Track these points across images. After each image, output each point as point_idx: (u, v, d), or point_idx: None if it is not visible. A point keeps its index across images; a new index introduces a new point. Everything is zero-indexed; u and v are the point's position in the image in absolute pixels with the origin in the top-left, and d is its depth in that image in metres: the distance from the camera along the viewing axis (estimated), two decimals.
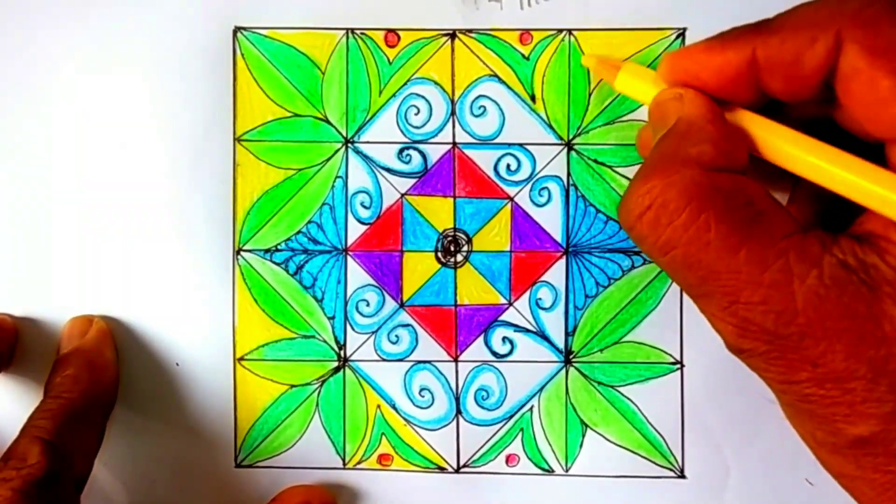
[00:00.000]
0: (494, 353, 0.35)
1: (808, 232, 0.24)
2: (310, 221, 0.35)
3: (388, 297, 0.35)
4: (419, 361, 0.36)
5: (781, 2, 0.34)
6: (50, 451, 0.30)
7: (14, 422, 0.32)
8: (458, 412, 0.36)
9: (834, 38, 0.24)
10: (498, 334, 0.35)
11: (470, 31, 0.35)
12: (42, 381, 0.35)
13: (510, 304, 0.35)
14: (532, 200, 0.35)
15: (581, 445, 0.35)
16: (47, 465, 0.30)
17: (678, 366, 0.35)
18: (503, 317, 0.35)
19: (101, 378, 0.34)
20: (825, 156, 0.25)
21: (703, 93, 0.27)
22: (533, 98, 0.35)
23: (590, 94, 0.35)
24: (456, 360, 0.36)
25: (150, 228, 0.35)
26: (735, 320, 0.24)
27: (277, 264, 0.35)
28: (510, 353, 0.35)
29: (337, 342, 0.35)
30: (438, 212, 0.35)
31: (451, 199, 0.35)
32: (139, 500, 0.36)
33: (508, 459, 0.36)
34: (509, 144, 0.35)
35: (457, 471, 0.36)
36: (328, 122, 0.35)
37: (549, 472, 0.35)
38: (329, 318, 0.35)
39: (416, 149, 0.35)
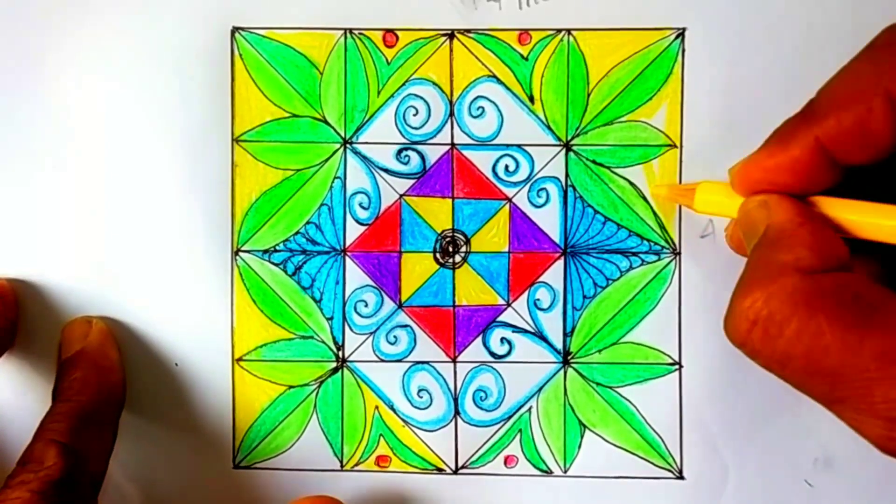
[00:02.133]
0: (493, 354, 0.35)
1: None
2: (308, 222, 0.35)
3: (386, 298, 0.35)
4: (417, 362, 0.36)
5: (781, 4, 0.34)
6: (66, 453, 0.31)
7: (15, 422, 0.32)
8: (457, 413, 0.36)
9: (887, 100, 0.24)
10: (496, 335, 0.35)
11: (468, 31, 0.35)
12: (42, 381, 0.35)
13: (508, 304, 0.35)
14: (530, 201, 0.35)
15: (579, 446, 0.35)
16: (64, 466, 0.30)
17: (677, 367, 0.35)
18: (501, 317, 0.35)
19: (109, 378, 0.34)
20: None
21: (786, 195, 0.27)
22: (531, 99, 0.35)
23: (588, 95, 0.35)
24: (454, 361, 0.36)
25: (148, 229, 0.35)
26: (879, 422, 0.23)
27: (276, 265, 0.35)
28: (508, 353, 0.35)
29: (335, 343, 0.35)
30: (437, 212, 0.35)
31: (450, 200, 0.35)
32: (137, 501, 0.36)
33: (507, 460, 0.36)
34: (508, 145, 0.35)
35: (455, 472, 0.36)
36: (326, 122, 0.35)
37: (548, 472, 0.36)
38: (327, 319, 0.35)
39: (414, 149, 0.35)
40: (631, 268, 0.35)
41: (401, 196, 0.35)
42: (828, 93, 0.26)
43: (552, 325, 0.35)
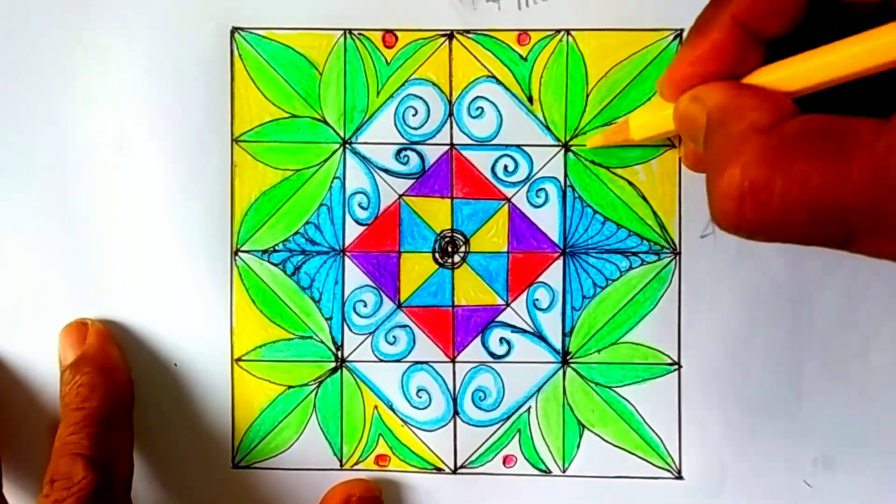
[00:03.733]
0: (492, 354, 0.35)
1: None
2: (307, 222, 0.35)
3: (385, 298, 0.35)
4: (416, 362, 0.36)
5: None
6: (93, 465, 0.31)
7: (23, 428, 0.33)
8: (456, 413, 0.36)
9: None
10: (495, 335, 0.35)
11: (468, 31, 0.35)
12: (44, 385, 0.35)
13: (507, 304, 0.35)
14: (529, 201, 0.35)
15: (578, 446, 0.35)
16: (95, 479, 0.31)
17: (675, 367, 0.35)
18: (500, 318, 0.35)
19: (116, 379, 0.34)
20: (849, 47, 0.24)
21: (712, 81, 0.26)
22: (530, 99, 0.35)
23: (587, 96, 0.35)
24: (453, 361, 0.36)
25: (147, 229, 0.35)
26: None
27: (275, 265, 0.35)
28: (507, 353, 0.35)
29: (334, 343, 0.35)
30: (436, 213, 0.35)
31: (449, 200, 0.35)
32: (137, 501, 0.36)
33: (506, 460, 0.36)
34: (507, 146, 0.35)
35: (454, 471, 0.36)
36: (326, 122, 0.35)
37: (547, 472, 0.36)
38: (326, 319, 0.35)
39: (413, 150, 0.35)
40: (630, 268, 0.35)
41: (400, 196, 0.35)
42: None
43: (551, 325, 0.35)
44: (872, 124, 0.22)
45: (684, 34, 0.34)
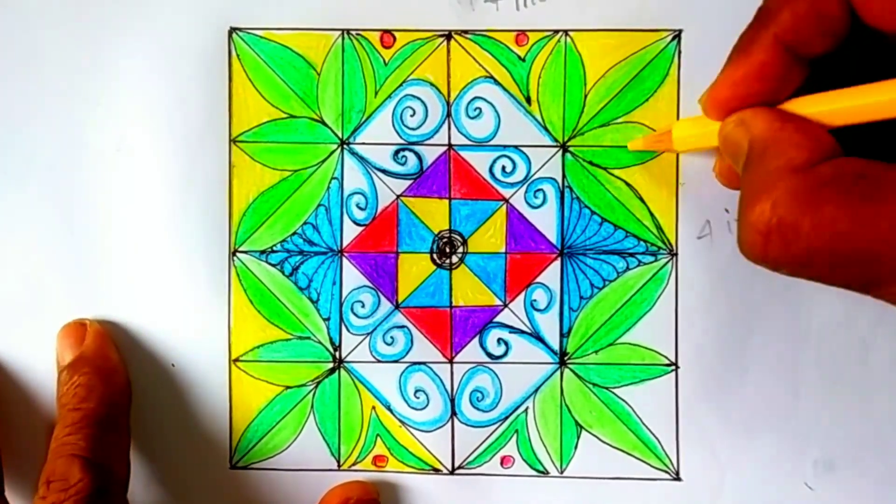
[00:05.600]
0: (489, 355, 0.35)
1: None
2: (305, 223, 0.35)
3: (383, 299, 0.35)
4: (414, 363, 0.36)
5: None
6: (90, 467, 0.31)
7: (20, 429, 0.33)
8: (453, 413, 0.36)
9: None
10: (493, 336, 0.35)
11: (466, 32, 0.35)
12: (42, 385, 0.35)
13: (505, 305, 0.35)
14: (527, 202, 0.35)
15: (576, 447, 0.35)
16: (92, 481, 0.31)
17: (673, 367, 0.35)
18: (498, 318, 0.35)
19: (113, 380, 0.34)
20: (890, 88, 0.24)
21: (760, 106, 0.27)
22: (528, 100, 0.35)
23: (585, 96, 0.35)
24: (451, 362, 0.36)
25: (145, 230, 0.35)
26: None
27: (273, 265, 0.35)
28: (505, 354, 0.35)
29: (332, 343, 0.36)
30: (434, 213, 0.35)
31: (447, 201, 0.35)
32: (134, 501, 0.36)
33: (503, 461, 0.36)
34: (505, 146, 0.35)
35: (452, 472, 0.36)
36: (324, 123, 0.35)
37: (544, 473, 0.36)
38: (324, 320, 0.35)
39: (411, 150, 0.35)
40: (628, 269, 0.35)
41: (398, 197, 0.35)
42: None
43: (549, 325, 0.35)
44: None
45: (683, 35, 0.34)
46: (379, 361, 0.36)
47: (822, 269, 0.23)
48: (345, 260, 0.35)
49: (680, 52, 0.34)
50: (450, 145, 0.35)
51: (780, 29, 0.25)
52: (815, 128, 0.25)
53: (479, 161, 0.35)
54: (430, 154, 0.35)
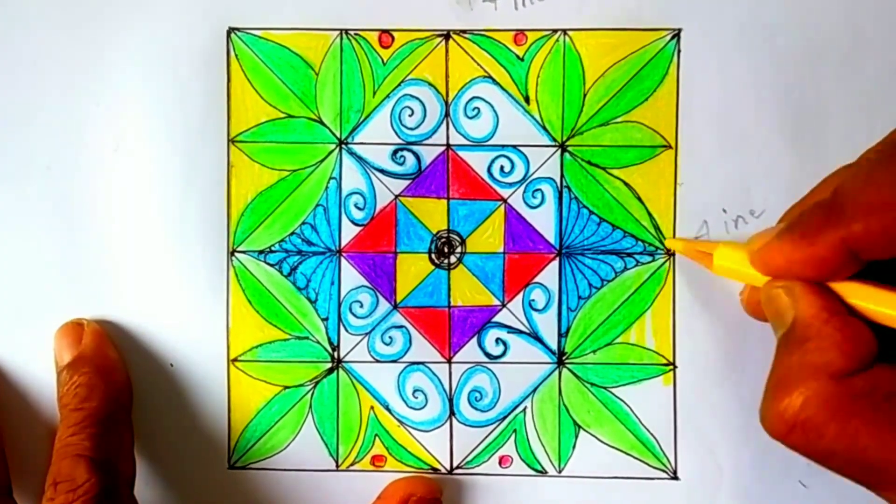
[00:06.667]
0: (488, 355, 0.35)
1: None
2: (303, 223, 0.35)
3: (381, 299, 0.35)
4: (413, 363, 0.36)
5: (776, 5, 0.34)
6: (96, 467, 0.31)
7: (21, 430, 0.33)
8: (452, 413, 0.36)
9: None
10: (491, 336, 0.35)
11: (464, 31, 0.35)
12: (39, 381, 0.35)
13: (503, 305, 0.35)
14: (525, 202, 0.35)
15: (574, 447, 0.35)
16: (99, 481, 0.31)
17: (671, 367, 0.35)
18: (496, 318, 0.35)
19: (114, 379, 0.34)
20: None
21: (810, 283, 0.27)
22: (527, 99, 0.35)
23: (584, 96, 0.35)
24: (449, 362, 0.36)
25: (143, 229, 0.35)
26: None
27: (271, 265, 0.35)
28: (503, 354, 0.35)
29: (330, 343, 0.36)
30: (432, 213, 0.35)
31: (445, 201, 0.35)
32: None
33: (502, 461, 0.36)
34: (503, 146, 0.35)
35: (450, 472, 0.36)
36: (322, 123, 0.35)
37: (543, 473, 0.36)
38: (322, 320, 0.35)
39: (409, 150, 0.35)
40: (625, 269, 0.35)
41: (396, 197, 0.35)
42: (855, 197, 0.26)
43: (547, 325, 0.35)
44: None
45: (682, 34, 0.34)
46: (377, 361, 0.36)
47: (835, 465, 0.25)
48: (343, 260, 0.35)
49: (679, 52, 0.34)
50: (448, 145, 0.35)
51: (851, 237, 0.25)
52: (858, 327, 0.26)
53: (478, 161, 0.35)
54: (429, 154, 0.35)
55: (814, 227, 0.26)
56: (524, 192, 0.35)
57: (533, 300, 0.35)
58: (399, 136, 0.35)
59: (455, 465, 0.36)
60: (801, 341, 0.26)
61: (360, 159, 0.35)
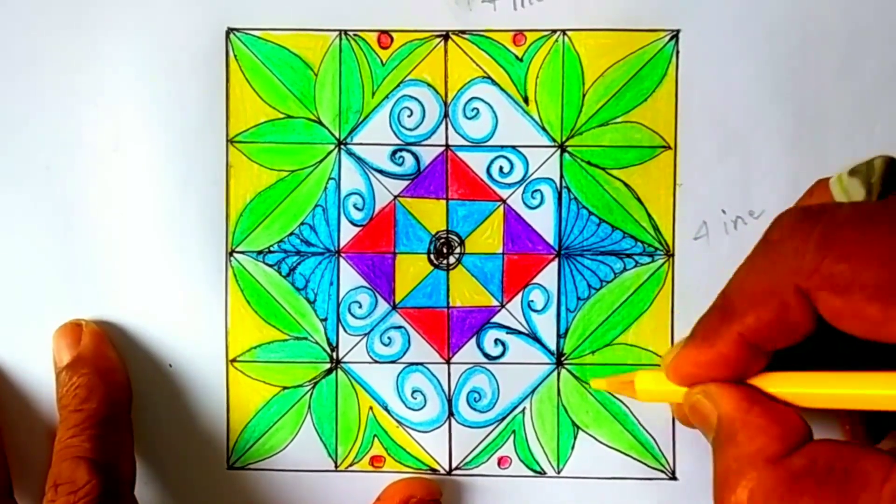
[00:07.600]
0: (487, 355, 0.35)
1: None
2: (302, 223, 0.35)
3: (380, 299, 0.35)
4: (411, 363, 0.36)
5: (775, 6, 0.34)
6: (96, 469, 0.31)
7: (20, 432, 0.33)
8: (451, 414, 0.36)
9: (798, 293, 0.24)
10: (490, 336, 0.35)
11: (463, 32, 0.35)
12: (38, 382, 0.35)
13: (502, 306, 0.35)
14: (525, 203, 0.35)
15: (573, 447, 0.35)
16: (100, 483, 0.31)
17: None
18: (495, 319, 0.35)
19: (113, 379, 0.34)
20: (857, 383, 0.25)
21: (727, 382, 0.27)
22: (526, 100, 0.35)
23: (583, 96, 0.35)
24: (448, 362, 0.36)
25: (142, 230, 0.35)
26: None
27: (270, 266, 0.35)
28: (502, 355, 0.35)
29: (329, 344, 0.36)
30: (431, 214, 0.35)
31: (444, 202, 0.35)
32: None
33: (500, 461, 0.36)
34: (502, 147, 0.35)
35: (449, 473, 0.36)
36: (321, 123, 0.35)
37: (541, 473, 0.36)
38: (321, 320, 0.35)
39: (408, 151, 0.35)
40: (625, 269, 0.35)
41: (395, 197, 0.35)
42: (741, 291, 0.26)
43: (546, 326, 0.35)
44: (881, 465, 0.23)
45: (681, 34, 0.34)
46: (376, 362, 0.36)
47: None
48: (342, 260, 0.35)
49: (678, 52, 0.34)
50: (447, 146, 0.35)
51: (745, 329, 0.26)
52: (782, 411, 0.26)
53: (477, 161, 0.35)
54: (428, 154, 0.35)
55: (711, 329, 0.27)
56: (523, 192, 0.35)
57: (532, 301, 0.35)
58: (398, 137, 0.35)
59: (454, 465, 0.36)
60: (731, 437, 0.26)
61: (359, 160, 0.35)
